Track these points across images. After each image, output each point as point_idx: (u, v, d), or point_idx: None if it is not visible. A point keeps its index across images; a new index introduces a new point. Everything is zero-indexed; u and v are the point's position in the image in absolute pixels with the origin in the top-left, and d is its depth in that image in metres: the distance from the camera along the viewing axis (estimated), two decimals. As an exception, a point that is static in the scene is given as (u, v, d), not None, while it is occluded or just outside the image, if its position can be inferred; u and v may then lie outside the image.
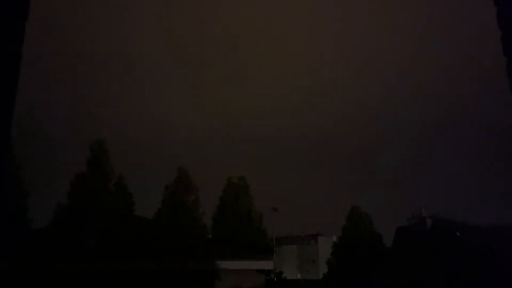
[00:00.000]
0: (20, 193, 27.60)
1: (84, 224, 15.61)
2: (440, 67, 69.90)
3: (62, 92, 55.37)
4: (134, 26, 70.90)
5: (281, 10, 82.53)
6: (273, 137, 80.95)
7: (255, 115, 76.57)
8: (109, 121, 53.69)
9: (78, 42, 66.24)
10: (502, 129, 41.85)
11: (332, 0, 73.51)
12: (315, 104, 73.24)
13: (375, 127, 75.67)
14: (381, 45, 77.70)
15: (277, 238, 47.52)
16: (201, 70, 78.95)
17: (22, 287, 9.62)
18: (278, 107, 76.42)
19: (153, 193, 36.28)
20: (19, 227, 25.58)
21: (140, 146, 53.06)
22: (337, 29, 75.54)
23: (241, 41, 77.46)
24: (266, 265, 12.08)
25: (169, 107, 67.23)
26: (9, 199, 25.09)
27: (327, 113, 71.83)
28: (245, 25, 73.03)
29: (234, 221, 34.46)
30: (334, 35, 77.77)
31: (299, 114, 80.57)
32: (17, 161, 27.13)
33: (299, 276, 64.76)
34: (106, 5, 61.55)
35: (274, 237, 41.00)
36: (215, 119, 73.73)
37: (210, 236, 33.07)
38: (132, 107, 68.69)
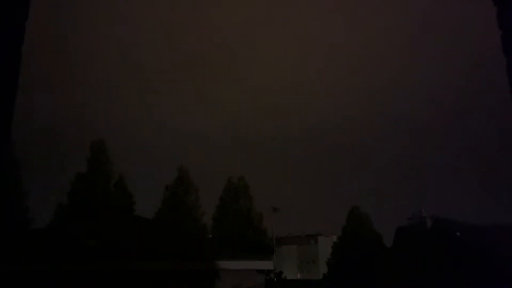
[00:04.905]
0: (20, 193, 27.59)
1: (84, 224, 15.60)
2: (440, 66, 69.91)
3: (63, 92, 55.37)
4: (135, 27, 70.90)
5: (281, 11, 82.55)
6: (273, 137, 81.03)
7: (255, 115, 76.64)
8: (109, 121, 53.69)
9: (79, 43, 66.25)
10: (502, 129, 41.86)
11: (331, 0, 73.47)
12: (315, 104, 73.28)
13: (375, 126, 75.67)
14: (381, 44, 77.71)
15: (277, 238, 47.48)
16: (201, 70, 79.01)
17: (22, 287, 9.62)
18: (278, 107, 76.46)
19: (153, 193, 36.30)
20: (19, 227, 25.58)
21: (140, 146, 53.10)
22: (336, 29, 75.56)
23: (240, 42, 77.48)
24: (266, 265, 12.09)
25: (169, 107, 67.25)
26: (9, 199, 25.09)
27: (327, 113, 71.86)
28: (244, 27, 73.04)
29: (234, 221, 34.47)
30: (333, 35, 77.78)
31: (299, 114, 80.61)
32: (17, 161, 27.11)
33: (299, 276, 64.73)
34: (106, 6, 61.57)
35: (274, 237, 40.97)
36: (215, 119, 73.73)
37: (210, 236, 33.08)
38: (132, 107, 68.72)
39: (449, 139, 69.38)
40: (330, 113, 70.31)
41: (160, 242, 12.33)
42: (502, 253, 19.71)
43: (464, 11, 53.37)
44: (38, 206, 29.94)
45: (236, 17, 75.62)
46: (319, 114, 74.81)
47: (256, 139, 74.57)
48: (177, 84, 72.45)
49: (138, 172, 42.62)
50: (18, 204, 27.11)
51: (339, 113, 69.64)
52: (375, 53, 77.01)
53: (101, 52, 65.64)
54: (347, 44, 78.48)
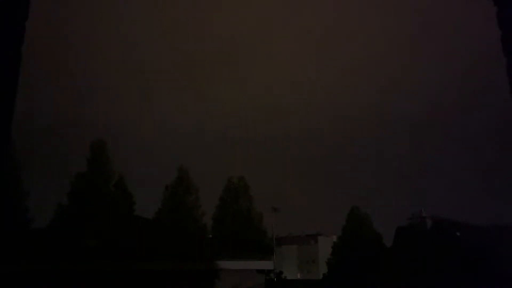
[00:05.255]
0: (20, 193, 27.59)
1: (84, 224, 15.60)
2: (440, 66, 69.88)
3: (63, 92, 55.37)
4: (134, 27, 70.89)
5: (279, 11, 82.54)
6: (273, 137, 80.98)
7: (255, 115, 76.62)
8: (109, 121, 53.66)
9: (79, 43, 66.25)
10: (502, 129, 41.87)
11: (331, 0, 73.50)
12: (315, 104, 73.24)
13: (375, 126, 75.68)
14: (381, 44, 77.69)
15: (277, 238, 47.47)
16: (201, 70, 78.98)
17: (22, 287, 9.62)
18: (278, 107, 76.43)
19: (153, 193, 36.30)
20: (19, 227, 25.58)
21: (140, 146, 53.08)
22: (335, 29, 75.53)
23: (239, 42, 77.49)
24: (266, 265, 12.08)
25: (169, 107, 67.26)
26: (9, 199, 25.08)
27: (327, 112, 71.85)
28: (243, 27, 73.02)
29: (234, 221, 34.47)
30: (333, 35, 77.78)
31: (299, 114, 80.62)
32: (17, 161, 27.10)
33: (299, 276, 64.71)
34: (106, 6, 61.60)
35: (274, 237, 40.97)
36: (216, 119, 73.75)
37: (210, 236, 33.08)
38: (132, 107, 68.72)
39: (449, 139, 69.38)
40: (330, 113, 70.32)
41: (160, 242, 12.32)
42: (502, 253, 19.69)
43: (464, 11, 53.35)
44: (38, 206, 29.96)
45: (236, 17, 75.63)
46: (319, 114, 74.86)
47: (256, 139, 74.59)
48: (177, 84, 72.48)
49: (138, 172, 42.60)
50: (18, 204, 27.11)
51: (339, 113, 69.64)
52: (375, 53, 77.04)
53: (101, 52, 65.63)
54: (347, 44, 78.49)
